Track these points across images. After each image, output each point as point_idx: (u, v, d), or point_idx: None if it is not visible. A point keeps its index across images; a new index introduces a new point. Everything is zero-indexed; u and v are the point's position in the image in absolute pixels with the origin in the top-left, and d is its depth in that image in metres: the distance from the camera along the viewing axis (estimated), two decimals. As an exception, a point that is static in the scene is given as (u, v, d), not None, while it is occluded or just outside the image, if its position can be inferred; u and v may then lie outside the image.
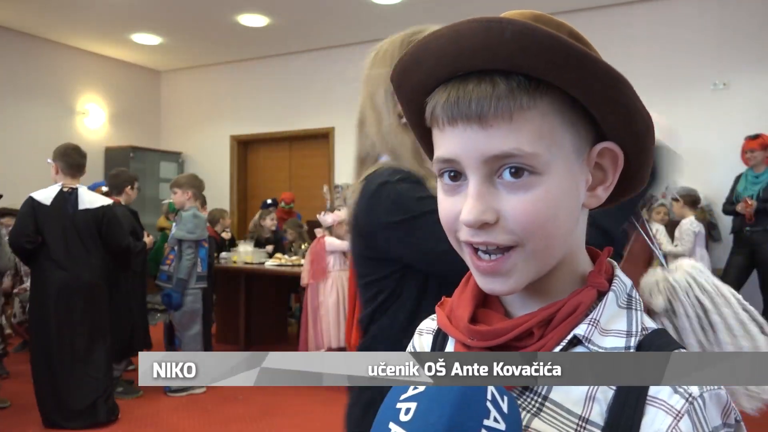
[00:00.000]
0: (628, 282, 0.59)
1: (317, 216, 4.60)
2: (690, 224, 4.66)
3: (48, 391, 3.47)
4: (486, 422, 0.47)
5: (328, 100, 6.94)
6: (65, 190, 3.51)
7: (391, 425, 0.48)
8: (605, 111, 0.54)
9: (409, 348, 0.73)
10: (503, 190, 0.53)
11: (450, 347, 0.66)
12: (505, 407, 0.49)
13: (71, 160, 3.55)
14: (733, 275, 4.47)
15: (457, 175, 0.55)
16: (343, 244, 4.39)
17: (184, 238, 4.11)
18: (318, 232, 4.62)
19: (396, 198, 1.01)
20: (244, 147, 7.79)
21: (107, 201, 3.71)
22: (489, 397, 0.49)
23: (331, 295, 4.36)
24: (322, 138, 7.05)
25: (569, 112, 0.53)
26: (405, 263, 1.04)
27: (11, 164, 6.27)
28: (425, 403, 0.48)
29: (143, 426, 3.62)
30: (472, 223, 0.53)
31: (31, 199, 3.47)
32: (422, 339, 0.72)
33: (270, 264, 5.32)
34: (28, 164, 6.23)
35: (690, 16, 5.35)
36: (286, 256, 5.46)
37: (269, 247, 5.76)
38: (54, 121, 6.82)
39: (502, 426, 0.48)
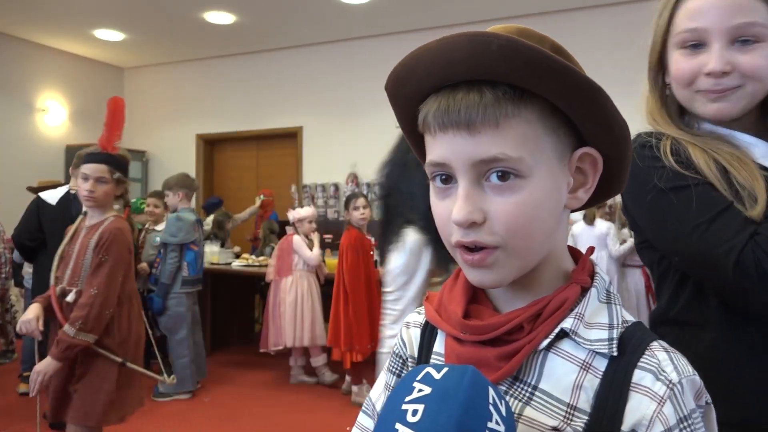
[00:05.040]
0: (607, 278, 0.64)
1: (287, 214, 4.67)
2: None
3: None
4: (489, 424, 0.49)
5: (296, 99, 6.89)
6: (72, 192, 3.67)
7: (398, 426, 0.49)
8: (584, 118, 0.58)
9: (397, 340, 0.74)
10: (490, 192, 0.57)
11: (439, 340, 0.68)
12: (503, 410, 0.51)
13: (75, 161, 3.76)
14: None
15: (448, 178, 0.59)
16: (307, 255, 4.33)
17: (167, 241, 4.08)
18: (289, 229, 4.66)
19: None
20: (211, 146, 7.67)
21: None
22: (491, 400, 0.50)
23: (290, 293, 4.36)
24: (290, 137, 6.99)
25: (551, 119, 0.57)
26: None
27: (-34, 162, 6.05)
28: (434, 404, 0.49)
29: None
30: (461, 222, 0.56)
31: (37, 198, 3.68)
32: (410, 332, 0.73)
33: (237, 264, 5.25)
34: (-16, 162, 6.04)
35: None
36: (253, 257, 5.40)
37: (236, 248, 5.69)
38: (12, 119, 6.59)
39: (501, 428, 0.49)
